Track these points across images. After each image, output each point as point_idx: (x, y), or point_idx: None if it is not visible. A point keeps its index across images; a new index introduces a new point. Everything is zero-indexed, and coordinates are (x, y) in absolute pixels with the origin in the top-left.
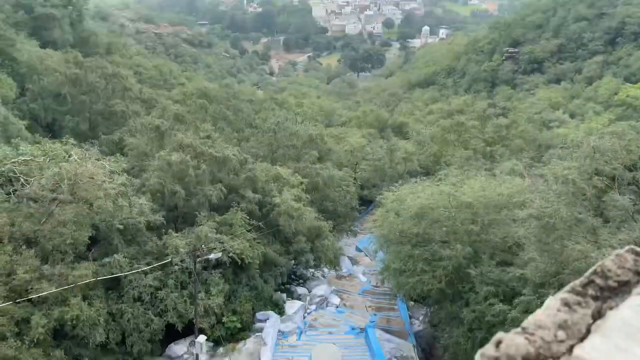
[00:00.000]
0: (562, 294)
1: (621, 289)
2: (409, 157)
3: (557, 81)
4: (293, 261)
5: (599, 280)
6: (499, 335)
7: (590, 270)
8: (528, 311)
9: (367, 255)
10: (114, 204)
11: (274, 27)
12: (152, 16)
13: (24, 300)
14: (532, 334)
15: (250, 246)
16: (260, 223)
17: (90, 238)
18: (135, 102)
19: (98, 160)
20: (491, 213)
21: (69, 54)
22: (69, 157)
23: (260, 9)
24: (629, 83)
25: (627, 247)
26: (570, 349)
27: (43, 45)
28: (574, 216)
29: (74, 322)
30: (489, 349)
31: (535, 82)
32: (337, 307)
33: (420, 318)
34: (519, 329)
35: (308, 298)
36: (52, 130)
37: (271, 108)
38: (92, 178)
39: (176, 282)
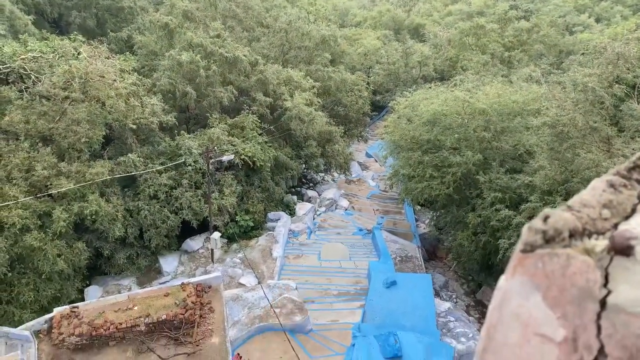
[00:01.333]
0: (607, 176)
1: None
2: (425, 61)
3: None
4: (304, 165)
5: None
6: (546, 210)
7: (636, 156)
8: (533, 217)
9: (376, 161)
10: (126, 103)
11: None
12: None
13: (44, 195)
14: (578, 211)
15: (261, 149)
16: (271, 127)
17: (104, 137)
18: None
19: (108, 59)
20: (505, 120)
21: None
22: (79, 54)
23: None
24: None
25: None
26: (615, 226)
27: None
28: (589, 125)
29: (93, 217)
30: (536, 222)
31: None
32: (345, 209)
33: (426, 222)
34: (564, 207)
35: (318, 200)
36: (59, 26)
37: (283, 6)
38: (103, 77)
39: (190, 182)
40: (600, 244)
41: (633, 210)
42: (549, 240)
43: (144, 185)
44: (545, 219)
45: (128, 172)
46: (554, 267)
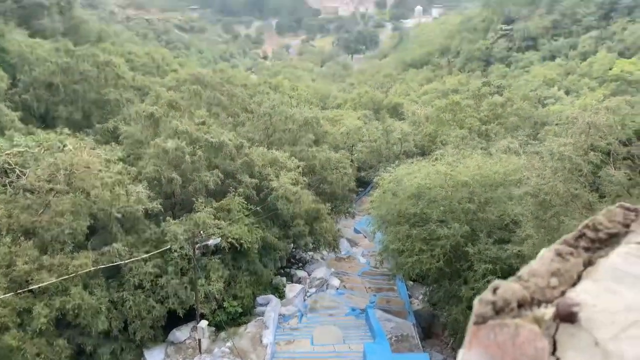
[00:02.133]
0: (556, 245)
1: (611, 240)
2: (405, 138)
3: (552, 58)
4: (292, 244)
5: (590, 233)
6: (496, 282)
7: (582, 225)
8: None
9: (365, 237)
10: (111, 192)
11: (266, 11)
12: (142, 2)
13: (25, 291)
14: (527, 281)
15: (248, 231)
16: (258, 207)
17: (88, 227)
18: (129, 90)
19: (93, 149)
20: (488, 191)
21: (60, 43)
22: (64, 147)
23: None
24: (624, 58)
25: (617, 204)
26: (562, 294)
27: (32, 35)
28: (570, 192)
29: (76, 311)
30: (486, 294)
31: (529, 59)
32: (337, 289)
33: (420, 297)
34: (514, 278)
35: (308, 281)
36: (46, 121)
37: (265, 92)
38: (88, 167)
39: (176, 269)
40: (549, 312)
41: (579, 277)
42: (498, 311)
43: (129, 275)
44: (495, 290)
45: (113, 262)
46: (504, 337)
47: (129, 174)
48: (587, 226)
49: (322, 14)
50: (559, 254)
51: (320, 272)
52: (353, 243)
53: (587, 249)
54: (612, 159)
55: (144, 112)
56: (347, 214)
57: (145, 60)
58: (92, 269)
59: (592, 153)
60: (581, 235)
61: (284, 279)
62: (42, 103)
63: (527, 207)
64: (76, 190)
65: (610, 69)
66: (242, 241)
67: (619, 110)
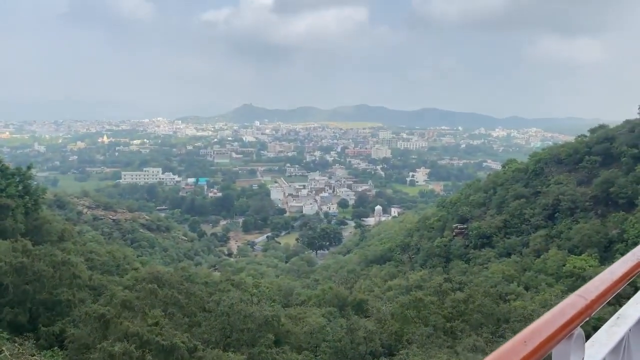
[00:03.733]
0: None
1: None
2: (370, 336)
3: (508, 254)
4: None
5: None
6: None
7: None
8: None
9: None
10: None
11: (234, 210)
12: (111, 203)
13: None
14: None
15: None
16: None
17: None
18: (84, 289)
19: (32, 356)
20: None
21: (18, 243)
22: (0, 353)
23: (220, 194)
24: (574, 254)
25: None
26: None
27: None
28: None
29: None
30: None
31: (487, 256)
32: None
33: None
34: None
35: None
36: None
37: (227, 290)
38: None
39: None
40: None
41: None
42: None
43: None
44: None
45: None
46: None
47: None
48: None
49: (288, 213)
50: None
51: None
52: None
53: None
54: None
55: (94, 313)
56: None
57: (106, 259)
58: None
59: None
60: None
61: None
62: None
63: None
64: None
65: (563, 265)
66: None
67: None
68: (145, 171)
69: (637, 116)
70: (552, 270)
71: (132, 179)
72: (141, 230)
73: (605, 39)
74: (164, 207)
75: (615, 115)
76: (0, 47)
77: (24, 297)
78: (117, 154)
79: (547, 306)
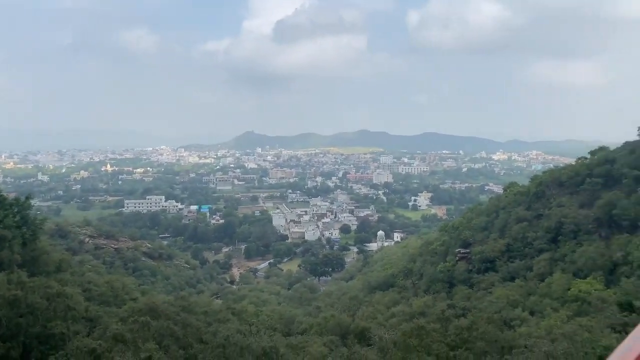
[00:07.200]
0: None
1: None
2: None
3: (512, 279)
4: None
5: None
6: None
7: None
8: None
9: None
10: None
11: (236, 237)
12: (113, 232)
13: None
14: None
15: None
16: None
17: None
18: (79, 321)
19: None
20: None
21: (13, 275)
22: None
23: (222, 221)
24: (579, 278)
25: None
26: None
27: None
28: None
29: None
30: None
31: (490, 281)
32: None
33: None
34: None
35: None
36: None
37: (226, 319)
38: None
39: None
40: None
41: None
42: None
43: None
44: None
45: None
46: None
47: None
48: None
49: (290, 239)
50: None
51: None
52: None
53: None
54: None
55: (84, 347)
56: None
57: (104, 289)
58: None
59: None
60: None
61: None
62: None
63: None
64: None
65: (568, 289)
66: None
67: (575, 336)
68: (148, 199)
69: (637, 137)
70: (557, 294)
71: (135, 207)
72: (143, 258)
73: (601, 62)
74: (166, 235)
75: (614, 137)
76: (5, 77)
77: (17, 330)
78: (120, 182)
79: (552, 332)
